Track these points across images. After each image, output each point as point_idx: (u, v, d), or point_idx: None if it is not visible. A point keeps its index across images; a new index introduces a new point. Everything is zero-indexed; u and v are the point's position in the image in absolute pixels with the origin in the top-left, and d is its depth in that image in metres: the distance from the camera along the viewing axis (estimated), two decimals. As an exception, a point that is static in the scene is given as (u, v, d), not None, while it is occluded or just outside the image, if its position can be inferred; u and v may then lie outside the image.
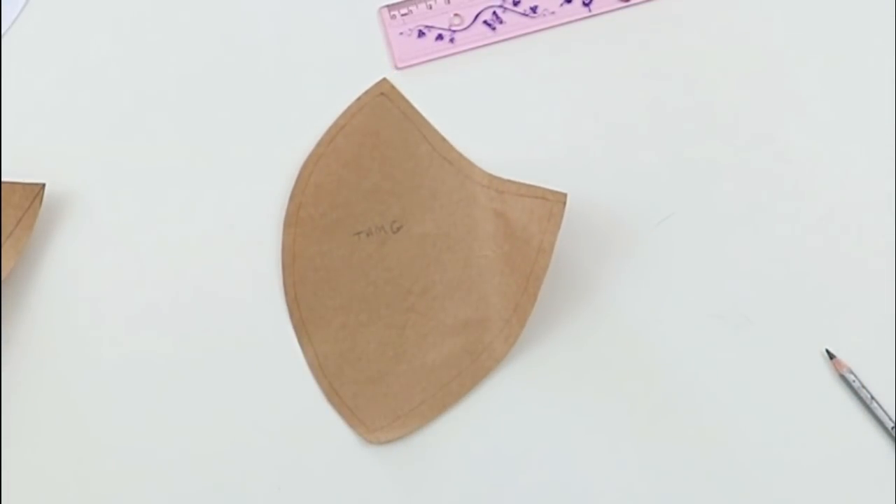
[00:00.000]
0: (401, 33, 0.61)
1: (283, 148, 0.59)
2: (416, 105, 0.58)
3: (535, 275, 0.54)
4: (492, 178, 0.56)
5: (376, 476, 0.55)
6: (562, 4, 0.62)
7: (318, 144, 0.57)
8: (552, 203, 0.54)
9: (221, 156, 0.59)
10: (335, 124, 0.57)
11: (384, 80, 0.58)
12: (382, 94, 0.58)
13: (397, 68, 0.60)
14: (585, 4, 0.62)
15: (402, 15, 0.61)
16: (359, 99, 0.58)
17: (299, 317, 0.56)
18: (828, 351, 0.57)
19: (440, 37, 0.61)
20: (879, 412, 0.56)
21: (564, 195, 0.54)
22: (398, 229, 0.56)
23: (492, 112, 0.60)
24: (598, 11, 0.62)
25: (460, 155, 0.57)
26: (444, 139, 0.57)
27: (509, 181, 0.56)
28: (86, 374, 0.56)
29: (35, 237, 0.57)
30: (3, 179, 0.57)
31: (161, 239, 0.58)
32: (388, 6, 0.61)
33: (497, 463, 0.55)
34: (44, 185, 0.56)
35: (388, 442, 0.55)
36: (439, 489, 0.55)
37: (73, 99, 0.60)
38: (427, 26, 0.61)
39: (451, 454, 0.55)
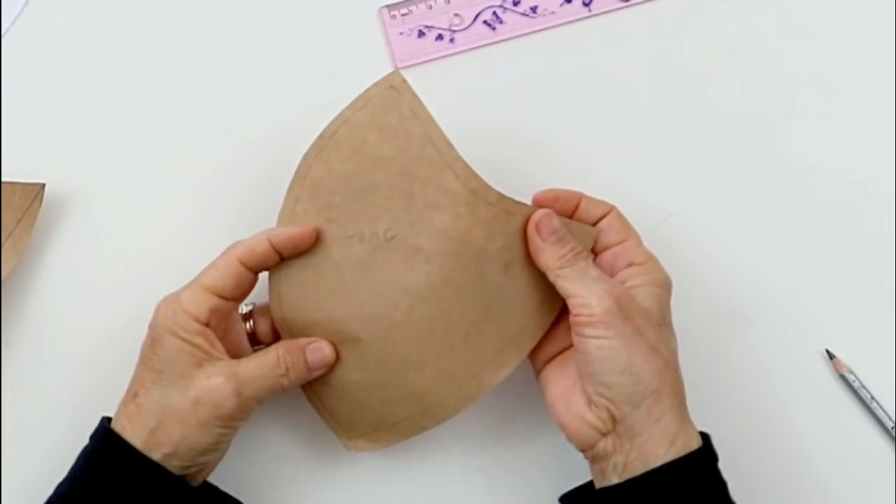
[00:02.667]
0: (401, 33, 0.61)
1: (283, 147, 0.59)
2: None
3: (544, 310, 0.52)
4: (500, 196, 0.51)
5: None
6: (562, 4, 0.62)
7: (321, 136, 0.53)
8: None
9: (221, 156, 0.59)
10: (339, 116, 0.53)
11: (395, 72, 0.52)
12: (392, 87, 0.52)
13: (397, 68, 0.60)
14: (585, 4, 0.62)
15: (402, 15, 0.61)
16: (367, 90, 0.52)
17: (281, 315, 0.52)
18: (828, 351, 0.57)
19: (440, 37, 0.61)
20: (879, 412, 0.56)
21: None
22: (392, 238, 0.51)
23: (492, 112, 0.60)
24: (598, 11, 0.62)
25: (466, 165, 0.51)
26: (451, 146, 0.51)
27: (522, 203, 0.52)
28: (86, 374, 0.56)
29: (35, 237, 0.57)
30: (3, 179, 0.57)
31: (161, 238, 0.58)
32: (388, 6, 0.61)
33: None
34: (44, 185, 0.57)
35: (366, 451, 0.53)
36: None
37: (73, 99, 0.60)
38: (427, 26, 0.61)
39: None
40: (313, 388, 0.53)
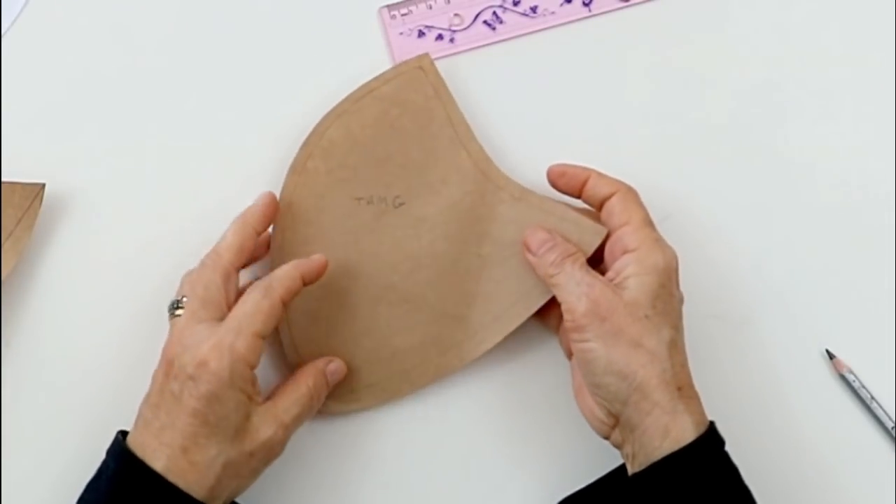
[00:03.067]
0: (401, 33, 0.61)
1: (283, 147, 0.59)
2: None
3: (533, 294, 0.53)
4: (508, 180, 0.55)
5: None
6: (562, 4, 0.62)
7: (345, 100, 0.56)
8: (584, 231, 0.52)
9: (222, 156, 0.59)
10: (366, 85, 0.57)
11: (426, 54, 0.57)
12: (420, 67, 0.57)
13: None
14: (585, 4, 0.62)
15: (402, 15, 0.61)
16: (396, 66, 0.57)
17: (280, 263, 0.53)
18: (828, 351, 0.57)
19: (440, 37, 0.61)
20: (879, 412, 0.56)
21: (602, 229, 0.52)
22: (400, 205, 0.55)
23: (491, 112, 0.60)
24: (598, 11, 0.62)
25: (481, 148, 0.55)
26: (468, 128, 0.56)
27: (531, 192, 0.54)
28: (86, 374, 0.56)
29: (35, 237, 0.57)
30: (3, 179, 0.57)
31: (161, 238, 0.58)
32: (388, 6, 0.61)
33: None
34: (44, 185, 0.57)
35: (340, 414, 0.54)
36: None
37: (73, 99, 0.60)
38: (427, 26, 0.61)
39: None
40: (294, 341, 0.54)
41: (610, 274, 0.51)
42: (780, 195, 0.59)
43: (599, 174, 0.53)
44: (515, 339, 0.54)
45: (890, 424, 0.56)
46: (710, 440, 0.48)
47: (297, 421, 0.51)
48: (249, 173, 0.59)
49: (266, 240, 0.56)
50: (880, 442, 0.56)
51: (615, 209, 0.52)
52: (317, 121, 0.57)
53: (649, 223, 0.52)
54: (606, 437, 0.51)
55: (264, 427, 0.49)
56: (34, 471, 0.55)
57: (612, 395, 0.49)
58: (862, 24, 0.62)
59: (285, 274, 0.51)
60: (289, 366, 0.55)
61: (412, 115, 0.56)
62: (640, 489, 0.48)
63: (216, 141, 0.59)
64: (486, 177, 0.55)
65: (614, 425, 0.50)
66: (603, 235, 0.52)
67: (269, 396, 0.51)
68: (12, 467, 0.55)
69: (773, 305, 0.58)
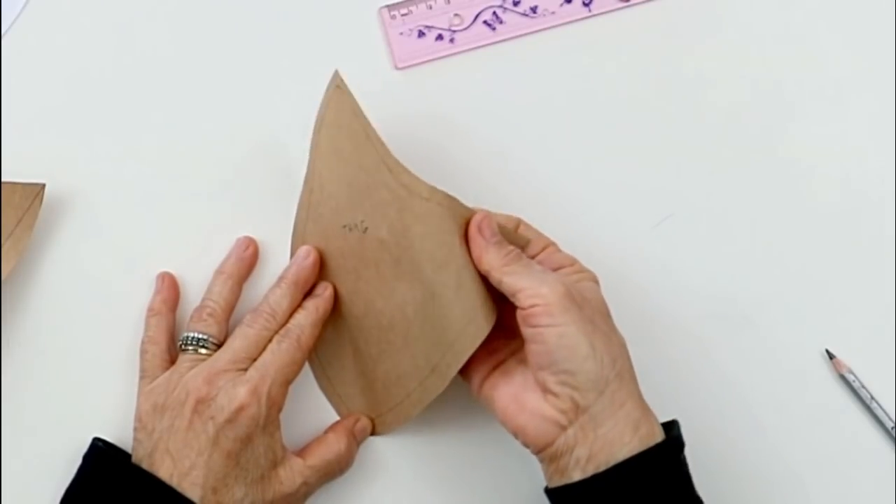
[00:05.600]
0: (401, 33, 0.61)
1: (283, 147, 0.59)
2: (411, 104, 0.58)
3: (489, 306, 0.50)
4: (434, 190, 0.51)
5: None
6: (562, 4, 0.62)
7: (313, 132, 0.55)
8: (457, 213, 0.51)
9: (221, 156, 0.59)
10: (318, 113, 0.55)
11: (336, 72, 0.54)
12: (338, 86, 0.54)
13: (397, 68, 0.60)
14: (585, 4, 0.62)
15: (402, 15, 0.61)
16: (326, 89, 0.55)
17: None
18: (828, 351, 0.57)
19: (440, 37, 0.61)
20: (879, 412, 0.56)
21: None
22: (365, 230, 0.54)
23: (491, 112, 0.60)
24: (598, 11, 0.62)
25: (397, 161, 0.52)
26: (383, 143, 0.52)
27: (454, 198, 0.51)
28: (86, 375, 0.56)
29: (35, 237, 0.57)
30: (3, 179, 0.57)
31: (161, 239, 0.58)
32: (388, 6, 0.61)
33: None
34: (44, 185, 0.57)
35: (373, 436, 0.56)
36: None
37: (73, 99, 0.60)
38: (427, 26, 0.61)
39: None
40: (325, 372, 0.56)
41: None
42: (781, 195, 0.59)
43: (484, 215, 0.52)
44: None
45: (890, 424, 0.56)
46: (675, 442, 0.48)
47: (322, 481, 0.53)
48: (250, 171, 0.59)
49: (254, 253, 0.57)
50: (880, 442, 0.56)
51: (532, 235, 0.54)
52: (314, 121, 0.58)
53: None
54: (548, 445, 0.48)
55: (289, 481, 0.51)
56: (34, 471, 0.55)
57: (590, 383, 0.47)
58: (862, 24, 0.62)
59: (310, 323, 0.53)
60: (324, 394, 0.57)
61: (347, 139, 0.54)
62: (604, 490, 0.46)
63: (216, 140, 0.59)
64: (411, 191, 0.52)
65: (569, 423, 0.47)
66: (526, 244, 0.53)
67: (301, 453, 0.53)
68: (12, 467, 0.55)
69: (773, 305, 0.58)
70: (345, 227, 0.54)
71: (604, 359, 0.47)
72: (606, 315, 0.50)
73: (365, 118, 0.53)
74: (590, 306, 0.49)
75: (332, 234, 0.55)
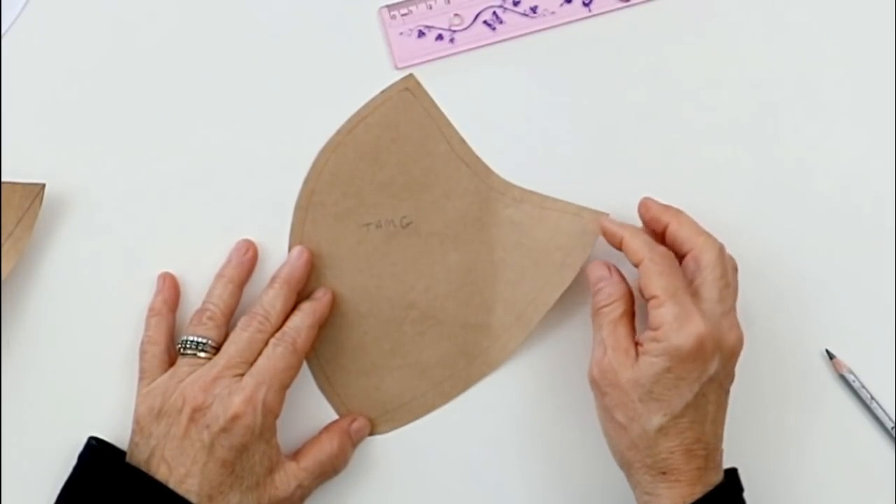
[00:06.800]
0: (401, 33, 0.61)
1: (283, 146, 0.59)
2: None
3: (550, 287, 0.55)
4: (509, 185, 0.57)
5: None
6: (562, 4, 0.62)
7: (338, 133, 0.58)
8: (586, 221, 0.55)
9: (221, 155, 0.59)
10: (357, 114, 0.58)
11: (411, 75, 0.59)
12: (407, 89, 0.58)
13: (397, 68, 0.60)
14: (585, 4, 0.62)
15: (402, 15, 0.61)
16: (383, 91, 0.58)
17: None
18: (828, 351, 0.57)
19: (440, 37, 0.61)
20: (879, 412, 0.56)
21: (603, 215, 0.55)
22: (407, 225, 0.56)
23: (491, 112, 0.60)
24: (598, 11, 0.62)
25: (478, 158, 0.57)
26: (463, 141, 0.58)
27: (531, 192, 0.57)
28: (86, 374, 0.56)
29: (35, 237, 0.57)
30: (3, 179, 0.57)
31: (162, 239, 0.58)
32: (388, 6, 0.61)
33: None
34: (44, 185, 0.57)
35: (374, 435, 0.56)
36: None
37: (73, 99, 0.60)
38: (427, 26, 0.61)
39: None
40: (325, 372, 0.56)
41: (638, 337, 0.51)
42: (781, 195, 0.59)
43: (679, 223, 0.53)
44: (537, 336, 0.56)
45: (890, 424, 0.56)
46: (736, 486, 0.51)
47: (317, 482, 0.53)
48: (250, 172, 0.59)
49: (253, 256, 0.57)
50: (880, 442, 0.56)
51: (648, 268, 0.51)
52: (315, 120, 0.58)
53: (676, 295, 0.49)
54: None
55: (284, 486, 0.51)
56: (34, 471, 0.55)
57: (615, 457, 0.52)
58: (862, 24, 0.62)
59: (307, 326, 0.53)
60: (323, 394, 0.57)
61: (407, 137, 0.57)
62: None
63: (216, 140, 0.59)
64: (488, 185, 0.57)
65: None
66: (605, 219, 0.54)
67: (294, 455, 0.53)
68: (12, 467, 0.55)
69: (773, 305, 0.58)
70: (368, 224, 0.56)
71: (615, 448, 0.51)
72: (640, 399, 0.49)
73: (443, 117, 0.58)
74: (619, 392, 0.50)
75: (343, 232, 0.56)
